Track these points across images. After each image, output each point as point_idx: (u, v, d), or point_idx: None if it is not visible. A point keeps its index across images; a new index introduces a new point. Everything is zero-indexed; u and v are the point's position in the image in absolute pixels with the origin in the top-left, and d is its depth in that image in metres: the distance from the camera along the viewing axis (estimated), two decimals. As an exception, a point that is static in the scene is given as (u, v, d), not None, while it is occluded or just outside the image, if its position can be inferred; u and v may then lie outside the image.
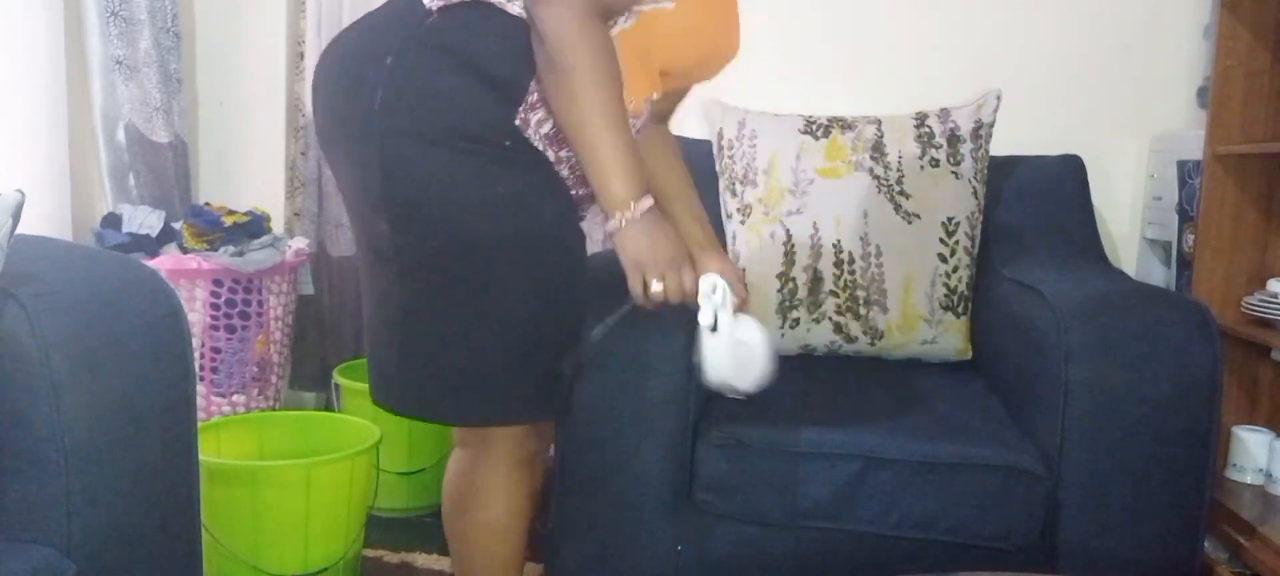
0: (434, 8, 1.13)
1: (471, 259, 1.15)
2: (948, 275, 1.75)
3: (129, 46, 2.14)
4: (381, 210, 1.14)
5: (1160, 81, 2.17)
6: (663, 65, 1.24)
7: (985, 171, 1.83)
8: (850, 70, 2.26)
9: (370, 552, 1.89)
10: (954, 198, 1.77)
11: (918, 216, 1.76)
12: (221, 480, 1.60)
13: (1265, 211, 1.87)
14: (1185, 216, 1.97)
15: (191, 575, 1.17)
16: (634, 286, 1.15)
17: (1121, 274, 1.81)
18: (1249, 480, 1.73)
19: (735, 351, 1.21)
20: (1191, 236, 1.93)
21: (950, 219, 1.76)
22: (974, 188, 1.79)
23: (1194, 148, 1.94)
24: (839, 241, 1.76)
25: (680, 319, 1.39)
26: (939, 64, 2.22)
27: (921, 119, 1.84)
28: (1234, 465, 1.76)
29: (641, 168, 1.13)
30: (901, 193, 1.77)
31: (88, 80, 2.12)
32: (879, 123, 1.84)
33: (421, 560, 1.88)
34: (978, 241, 1.79)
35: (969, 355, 1.78)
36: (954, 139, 1.81)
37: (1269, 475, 1.72)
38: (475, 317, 1.17)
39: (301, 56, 2.38)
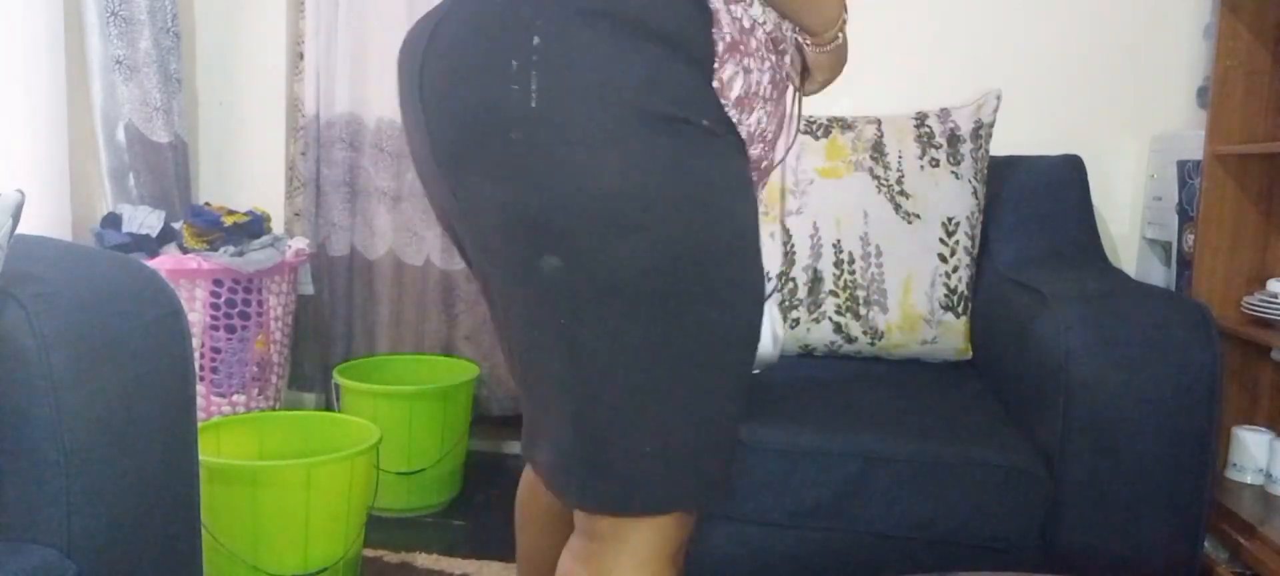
0: None
1: (673, 285, 0.85)
2: (948, 275, 1.75)
3: (129, 46, 2.14)
4: (548, 232, 0.83)
5: (1160, 81, 2.17)
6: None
7: (985, 171, 1.83)
8: (851, 70, 2.25)
9: (370, 552, 1.89)
10: (954, 197, 1.77)
11: (918, 216, 1.76)
12: (221, 480, 1.60)
13: (1265, 211, 1.87)
14: (1185, 216, 1.97)
15: (191, 575, 1.17)
16: (811, 89, 1.02)
17: (1121, 274, 1.81)
18: (1249, 480, 1.73)
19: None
20: (1191, 236, 1.93)
21: (950, 219, 1.76)
22: (974, 187, 1.79)
23: (1194, 148, 1.94)
24: (839, 241, 1.76)
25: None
26: (939, 64, 2.22)
27: (921, 119, 1.84)
28: (1234, 465, 1.76)
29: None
30: (901, 192, 1.77)
31: (88, 80, 2.12)
32: (879, 123, 1.84)
33: (421, 560, 1.88)
34: (978, 241, 1.79)
35: (969, 355, 1.78)
36: (954, 139, 1.81)
37: (1269, 475, 1.72)
38: (693, 361, 0.87)
39: (301, 56, 2.38)
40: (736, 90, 0.87)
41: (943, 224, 1.76)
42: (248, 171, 2.40)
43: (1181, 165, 1.99)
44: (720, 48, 0.86)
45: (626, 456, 0.89)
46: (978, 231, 1.79)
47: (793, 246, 1.77)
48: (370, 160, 2.37)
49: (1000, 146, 1.92)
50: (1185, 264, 1.96)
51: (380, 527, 1.98)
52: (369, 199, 2.39)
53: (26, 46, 1.90)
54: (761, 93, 0.90)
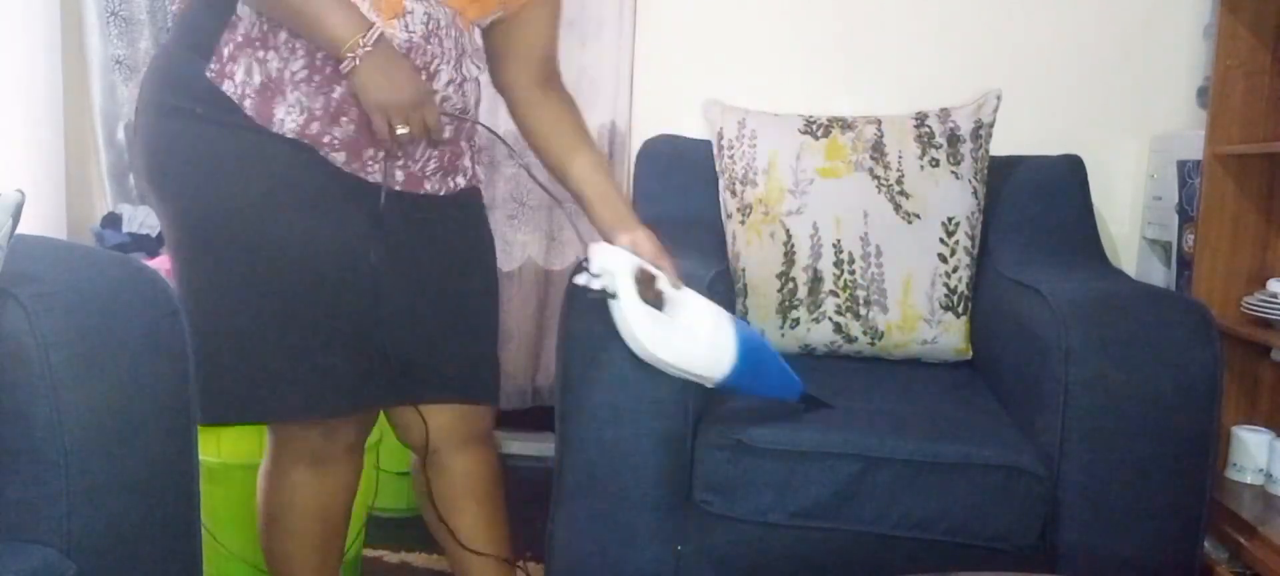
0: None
1: (180, 237, 1.14)
2: (948, 275, 1.75)
3: (129, 46, 2.14)
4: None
5: (1160, 81, 2.17)
6: None
7: (985, 171, 1.83)
8: (850, 70, 2.26)
9: (370, 552, 1.89)
10: (954, 197, 1.77)
11: (918, 216, 1.76)
12: (221, 480, 1.60)
13: (1265, 211, 1.87)
14: (1185, 216, 1.97)
15: (191, 575, 1.17)
16: (379, 130, 1.09)
17: (1121, 274, 1.81)
18: (1249, 480, 1.73)
19: (654, 320, 1.22)
20: (1191, 236, 1.93)
21: (950, 219, 1.76)
22: (974, 188, 1.79)
23: (1194, 148, 1.94)
24: (839, 241, 1.76)
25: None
26: (939, 64, 2.22)
27: (921, 119, 1.84)
28: (1234, 465, 1.76)
29: (352, 7, 1.07)
30: (901, 192, 1.77)
31: (88, 80, 2.12)
32: (879, 123, 1.84)
33: (421, 560, 1.88)
34: (978, 241, 1.79)
35: (969, 355, 1.78)
36: (954, 139, 1.81)
37: (1269, 475, 1.72)
38: (193, 302, 1.12)
39: (301, 56, 2.38)
40: (256, 79, 1.08)
41: (943, 224, 1.76)
42: (248, 171, 2.40)
43: (1181, 165, 1.99)
44: (229, 48, 1.08)
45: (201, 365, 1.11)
46: (978, 231, 1.79)
47: (792, 246, 1.77)
48: (370, 160, 2.37)
49: (1000, 146, 1.92)
50: (1185, 264, 1.96)
51: (380, 527, 1.98)
52: (369, 199, 2.39)
53: (26, 46, 1.90)
54: (290, 77, 1.09)
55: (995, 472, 1.34)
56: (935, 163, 1.79)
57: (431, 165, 1.21)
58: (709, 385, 1.30)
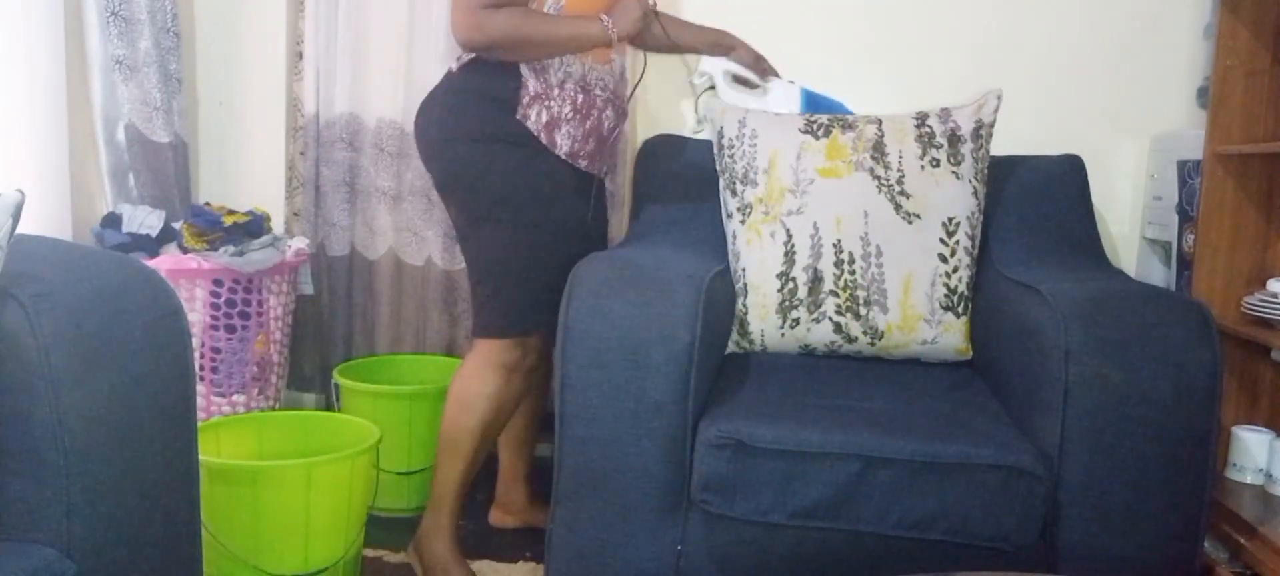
0: (456, 68, 1.72)
1: (488, 214, 1.68)
2: (948, 275, 1.75)
3: (129, 46, 2.14)
4: (443, 191, 1.76)
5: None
6: None
7: (986, 171, 1.83)
8: (851, 70, 2.26)
9: (370, 552, 1.89)
10: (954, 197, 1.77)
11: (918, 216, 1.76)
12: (221, 480, 1.60)
13: (1265, 211, 1.87)
14: (1185, 216, 1.97)
15: (191, 575, 1.17)
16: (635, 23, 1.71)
17: (1121, 274, 1.81)
18: (1249, 480, 1.73)
19: (740, 95, 1.97)
20: (1191, 236, 1.93)
21: (951, 219, 1.76)
22: (974, 187, 1.79)
23: (1194, 148, 1.94)
24: (839, 241, 1.76)
25: (685, 313, 1.39)
26: (939, 64, 2.22)
27: (922, 119, 1.84)
28: (1234, 465, 1.76)
29: (584, 18, 1.66)
30: (902, 192, 1.77)
31: (88, 80, 2.12)
32: (880, 122, 1.84)
33: (421, 560, 1.88)
34: (978, 241, 1.79)
35: (969, 355, 1.78)
36: (955, 139, 1.80)
37: (1269, 475, 1.72)
38: (495, 254, 1.70)
39: (300, 56, 2.38)
40: (543, 119, 1.69)
41: (943, 224, 1.76)
42: (248, 171, 2.40)
43: (1181, 165, 1.99)
44: (525, 99, 1.68)
45: (484, 300, 1.75)
46: (978, 231, 1.79)
47: (793, 246, 1.76)
48: (370, 160, 2.37)
49: (1000, 146, 1.92)
50: (1185, 264, 1.96)
51: (380, 527, 1.98)
52: (369, 199, 2.39)
53: (27, 46, 1.90)
54: (562, 117, 1.71)
55: (995, 472, 1.34)
56: (936, 162, 1.79)
57: (613, 158, 1.93)
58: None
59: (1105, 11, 2.17)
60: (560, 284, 1.53)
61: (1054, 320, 1.40)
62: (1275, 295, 1.73)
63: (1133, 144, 2.19)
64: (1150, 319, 1.37)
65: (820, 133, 1.83)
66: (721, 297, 1.66)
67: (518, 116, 1.67)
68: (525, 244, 1.68)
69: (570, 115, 1.70)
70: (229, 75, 2.38)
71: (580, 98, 1.71)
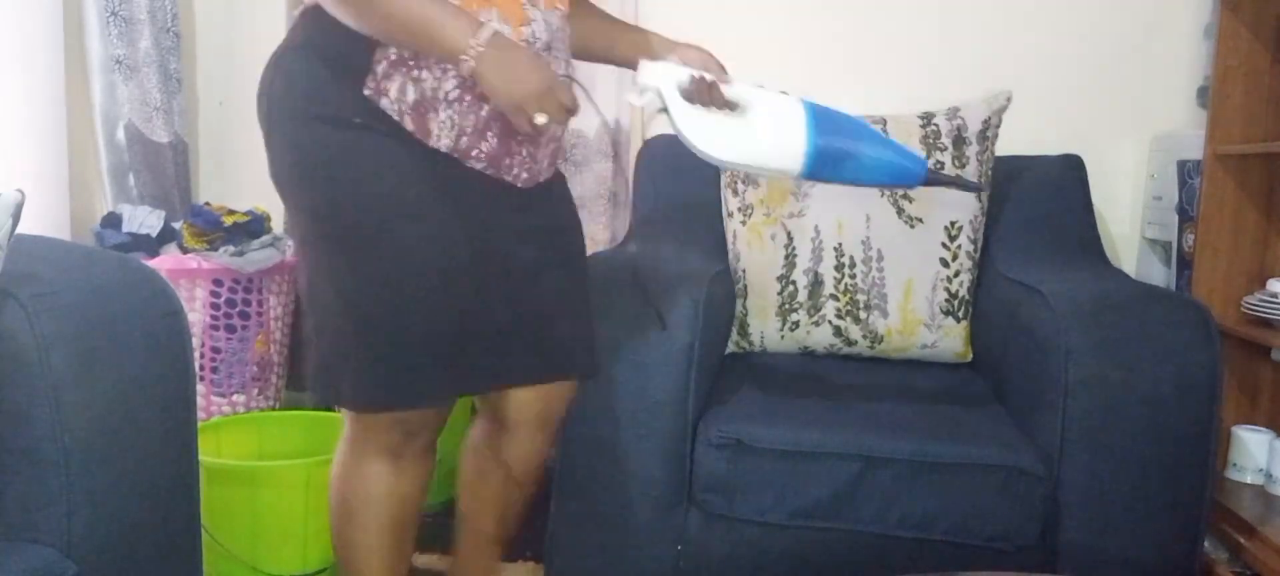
0: (296, 14, 1.21)
1: (323, 231, 1.17)
2: (949, 279, 1.75)
3: (129, 46, 2.14)
4: (281, 195, 1.21)
5: (1160, 81, 2.17)
6: None
7: (990, 173, 1.82)
8: (851, 69, 2.26)
9: (370, 552, 1.89)
10: (957, 201, 1.77)
11: (920, 221, 1.76)
12: (221, 480, 1.60)
13: (1265, 211, 1.87)
14: (1185, 216, 1.97)
15: (191, 575, 1.17)
16: (520, 126, 1.12)
17: (1121, 274, 1.81)
18: (1249, 480, 1.73)
19: (718, 125, 1.18)
20: (1191, 236, 1.93)
21: (953, 222, 1.76)
22: (979, 192, 1.79)
23: (1194, 148, 1.94)
24: (840, 244, 1.76)
25: (684, 316, 1.39)
26: (940, 64, 2.22)
27: (928, 118, 1.84)
28: (1234, 465, 1.76)
29: (458, 11, 1.10)
30: (904, 196, 1.77)
31: (88, 80, 2.12)
32: (884, 123, 1.84)
33: (421, 560, 1.88)
34: (980, 244, 1.79)
35: (969, 358, 1.78)
36: (960, 141, 1.80)
37: (1269, 475, 1.72)
38: (331, 292, 1.18)
39: (301, 56, 2.38)
40: (411, 97, 1.14)
41: (945, 228, 1.76)
42: (248, 171, 2.40)
43: (1181, 165, 1.99)
44: (381, 66, 1.13)
45: (325, 355, 1.22)
46: (980, 234, 1.79)
47: (793, 249, 1.76)
48: (370, 160, 2.36)
49: (1001, 146, 1.91)
50: (1185, 264, 1.96)
51: (380, 527, 1.98)
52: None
53: (25, 46, 1.90)
54: (443, 96, 1.14)
55: (995, 472, 1.34)
56: (940, 166, 1.78)
57: (545, 160, 1.26)
58: (793, 177, 1.21)
59: (1105, 11, 2.17)
60: (463, 335, 1.19)
61: (1054, 320, 1.40)
62: (1275, 295, 1.73)
63: (1133, 144, 2.19)
64: (1150, 319, 1.37)
65: None
66: (721, 297, 1.66)
67: (366, 92, 1.14)
68: (379, 279, 1.16)
69: (453, 93, 1.15)
70: (229, 75, 2.38)
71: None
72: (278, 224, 2.34)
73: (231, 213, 2.14)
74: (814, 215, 1.77)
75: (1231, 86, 1.86)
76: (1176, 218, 2.00)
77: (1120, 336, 1.36)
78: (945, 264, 1.75)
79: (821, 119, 1.19)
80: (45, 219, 1.94)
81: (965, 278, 1.76)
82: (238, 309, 2.03)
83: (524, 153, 1.22)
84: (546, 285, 1.28)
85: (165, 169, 2.21)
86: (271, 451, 1.85)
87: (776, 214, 1.78)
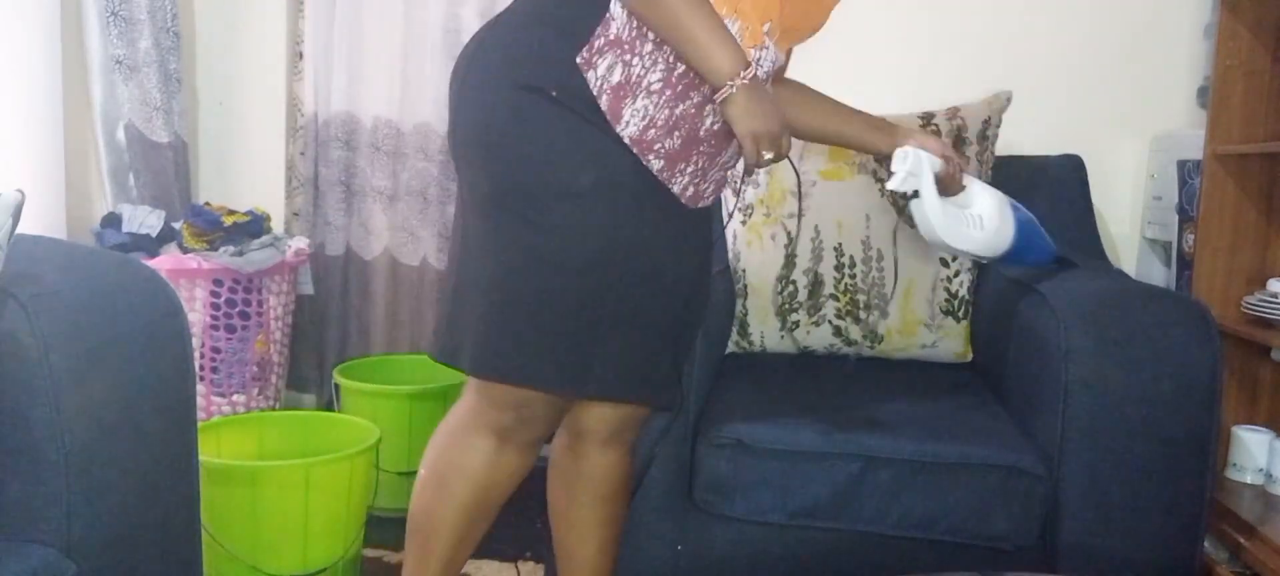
0: None
1: (498, 203, 1.17)
2: (949, 280, 1.75)
3: (129, 46, 2.14)
4: (459, 158, 1.21)
5: (1160, 81, 2.17)
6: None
7: (991, 173, 1.82)
8: (852, 69, 2.26)
9: (370, 552, 1.89)
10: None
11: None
12: (221, 480, 1.60)
13: (1265, 211, 1.87)
14: (1185, 216, 1.97)
15: (191, 575, 1.17)
16: (749, 154, 1.16)
17: (1121, 274, 1.81)
18: (1249, 480, 1.73)
19: (947, 214, 1.33)
20: (1191, 236, 1.93)
21: None
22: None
23: (1194, 148, 1.94)
24: (840, 245, 1.76)
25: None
26: (940, 64, 2.22)
27: (928, 119, 1.84)
28: (1234, 465, 1.76)
29: (736, 43, 1.13)
30: (903, 195, 1.76)
31: (88, 80, 2.12)
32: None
33: (421, 560, 1.88)
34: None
35: (969, 358, 1.78)
36: (960, 141, 1.80)
37: (1269, 475, 1.72)
38: (481, 256, 1.19)
39: (301, 56, 2.38)
40: (616, 77, 1.13)
41: None
42: (247, 171, 2.40)
43: (1181, 165, 1.99)
44: (600, 41, 1.13)
45: (456, 315, 1.22)
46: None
47: (794, 249, 1.76)
48: (366, 160, 2.37)
49: (1000, 146, 1.91)
50: (1185, 264, 1.96)
51: (380, 527, 1.98)
52: (365, 198, 2.38)
53: (24, 46, 1.90)
54: (645, 86, 1.14)
55: (995, 472, 1.34)
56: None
57: (711, 185, 1.26)
58: (986, 259, 1.41)
59: (1105, 11, 2.17)
60: (595, 334, 1.18)
61: (1054, 320, 1.40)
62: (1275, 295, 1.73)
63: (1133, 144, 2.19)
64: (1150, 319, 1.37)
65: None
66: (721, 298, 1.66)
67: (578, 58, 1.13)
68: (544, 255, 1.16)
69: (657, 84, 1.15)
70: (229, 75, 2.38)
71: (674, 63, 1.15)
72: (278, 224, 2.35)
73: (231, 213, 2.14)
74: (814, 215, 1.77)
75: (1231, 86, 1.86)
76: (1176, 218, 2.00)
77: (1120, 336, 1.36)
78: (945, 264, 1.75)
79: (1023, 228, 1.42)
80: (42, 219, 1.94)
81: (965, 277, 1.76)
82: (238, 309, 2.03)
83: (698, 165, 1.21)
84: (677, 310, 1.26)
85: (165, 169, 2.21)
86: (271, 451, 1.85)
87: (777, 214, 1.78)
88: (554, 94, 1.13)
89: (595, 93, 1.14)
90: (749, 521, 1.40)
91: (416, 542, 1.32)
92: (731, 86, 1.11)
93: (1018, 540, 1.36)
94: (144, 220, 2.08)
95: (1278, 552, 1.46)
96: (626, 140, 1.15)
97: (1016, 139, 2.09)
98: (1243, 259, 1.88)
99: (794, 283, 1.75)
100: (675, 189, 1.20)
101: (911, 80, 2.22)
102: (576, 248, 1.16)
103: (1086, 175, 2.01)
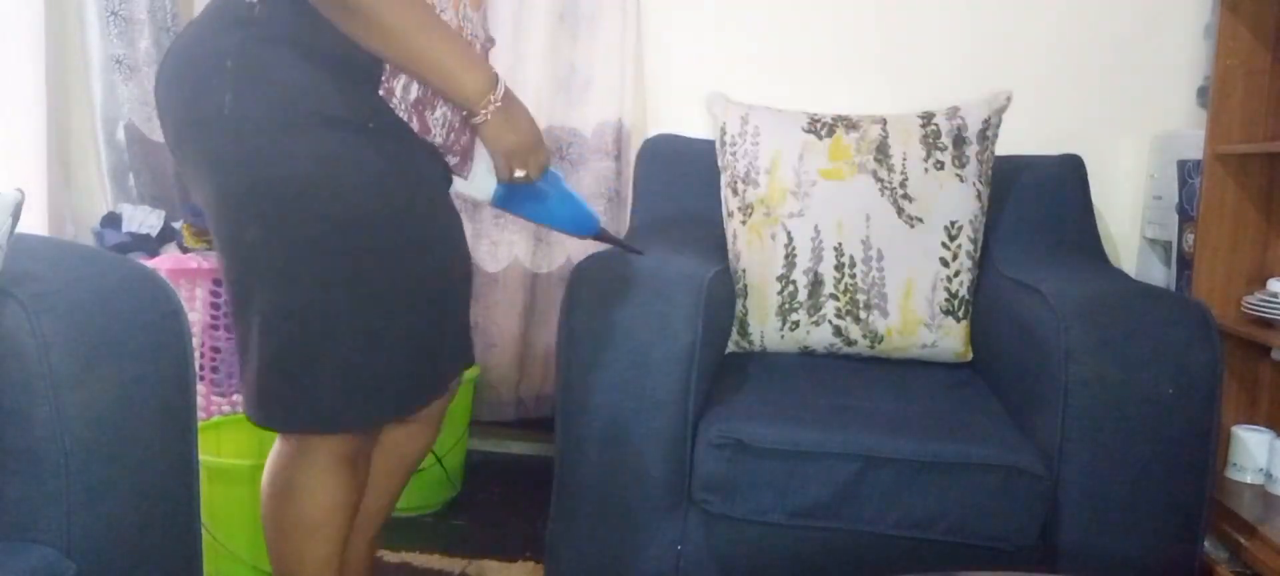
0: (257, 3, 1.09)
1: (345, 244, 1.12)
2: (949, 279, 1.75)
3: (129, 46, 2.14)
4: (248, 208, 1.10)
5: (1160, 81, 2.17)
6: None
7: (990, 173, 1.82)
8: (852, 68, 2.26)
9: (370, 552, 1.89)
10: (958, 201, 1.77)
11: (920, 220, 1.76)
12: (221, 480, 1.60)
13: (1265, 211, 1.87)
14: (1185, 216, 1.97)
15: (191, 574, 1.17)
16: (501, 174, 1.21)
17: (1121, 274, 1.81)
18: (1249, 480, 1.73)
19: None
20: (1191, 236, 1.93)
21: (953, 222, 1.76)
22: (978, 190, 1.79)
23: (1194, 147, 1.94)
24: (840, 244, 1.75)
25: (685, 316, 1.39)
26: (940, 64, 2.22)
27: (928, 118, 1.83)
28: (1234, 465, 1.76)
29: (481, 58, 1.17)
30: (905, 196, 1.77)
31: (88, 80, 2.12)
32: (884, 122, 1.84)
33: (421, 560, 1.88)
34: (980, 244, 1.79)
35: (969, 358, 1.78)
36: (960, 141, 1.79)
37: (1269, 475, 1.72)
38: (352, 308, 1.13)
39: (301, 56, 2.38)
40: (412, 94, 1.14)
41: (945, 227, 1.76)
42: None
43: (1181, 165, 1.99)
44: (387, 66, 1.12)
45: (303, 376, 1.15)
46: (980, 234, 1.79)
47: (794, 249, 1.76)
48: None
49: (1001, 146, 1.91)
50: (1185, 264, 1.96)
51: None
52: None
53: (26, 46, 1.90)
54: (434, 93, 1.15)
55: (995, 472, 1.34)
56: (940, 165, 1.78)
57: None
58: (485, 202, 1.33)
59: (1105, 11, 2.17)
60: (432, 344, 1.20)
61: (1054, 320, 1.40)
62: (1275, 295, 1.73)
63: (1133, 144, 2.19)
64: (1150, 319, 1.37)
65: (824, 132, 1.83)
66: (721, 297, 1.66)
67: (381, 91, 1.12)
68: (403, 282, 1.15)
69: None
70: (229, 75, 2.38)
71: None
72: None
73: (231, 212, 2.14)
74: (814, 215, 1.77)
75: (1231, 86, 1.86)
76: (1176, 217, 2.00)
77: (1120, 336, 1.36)
78: (945, 263, 1.75)
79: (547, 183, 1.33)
80: (44, 219, 1.94)
81: (965, 277, 1.76)
82: (238, 309, 2.03)
83: (470, 145, 1.24)
84: (466, 287, 1.32)
85: (165, 169, 2.21)
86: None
87: (776, 213, 1.78)
88: (372, 125, 1.12)
89: (404, 115, 1.14)
90: (749, 521, 1.40)
91: None
92: (486, 112, 1.13)
93: (1018, 540, 1.36)
94: (144, 220, 2.08)
95: (1278, 552, 1.46)
96: (437, 146, 1.18)
97: (1016, 139, 2.09)
98: (1243, 259, 1.88)
99: (794, 282, 1.75)
100: (457, 171, 1.25)
101: (911, 79, 2.22)
102: (433, 266, 1.19)
103: (1086, 175, 2.01)
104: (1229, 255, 1.88)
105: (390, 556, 1.89)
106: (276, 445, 1.26)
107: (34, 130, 1.96)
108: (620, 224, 2.26)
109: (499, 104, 1.13)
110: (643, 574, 1.45)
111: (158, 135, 2.19)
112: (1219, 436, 1.38)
